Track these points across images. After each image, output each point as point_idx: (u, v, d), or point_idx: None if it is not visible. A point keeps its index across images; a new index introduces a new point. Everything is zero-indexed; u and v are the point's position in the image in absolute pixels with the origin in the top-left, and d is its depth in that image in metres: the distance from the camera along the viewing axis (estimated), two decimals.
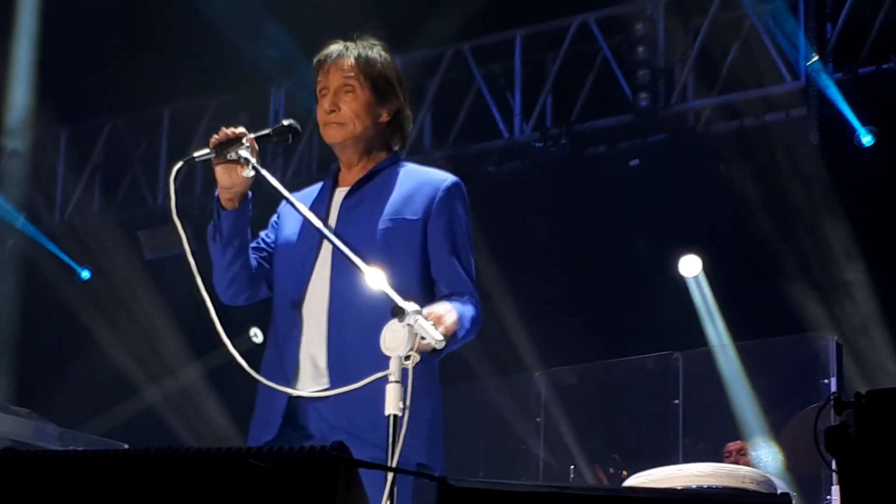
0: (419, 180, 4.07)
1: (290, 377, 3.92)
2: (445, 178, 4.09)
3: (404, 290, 3.70)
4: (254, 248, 4.12)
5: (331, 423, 3.87)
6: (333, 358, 3.91)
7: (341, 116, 4.05)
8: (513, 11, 10.51)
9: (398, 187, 4.04)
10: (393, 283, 3.68)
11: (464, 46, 10.71)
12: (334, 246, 3.81)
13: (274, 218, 4.22)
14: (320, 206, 4.05)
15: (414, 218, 3.98)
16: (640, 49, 10.01)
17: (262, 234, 4.21)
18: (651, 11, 10.06)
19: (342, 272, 3.92)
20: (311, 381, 3.91)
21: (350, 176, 4.11)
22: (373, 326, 3.71)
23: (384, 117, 4.09)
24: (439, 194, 4.02)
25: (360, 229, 3.89)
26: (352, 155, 4.10)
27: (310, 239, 4.03)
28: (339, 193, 4.10)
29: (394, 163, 4.12)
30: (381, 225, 3.97)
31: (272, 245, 4.15)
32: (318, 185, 4.17)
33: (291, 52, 10.45)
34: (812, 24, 9.55)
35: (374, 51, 4.12)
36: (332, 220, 4.01)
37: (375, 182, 4.07)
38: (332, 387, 3.85)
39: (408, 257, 3.92)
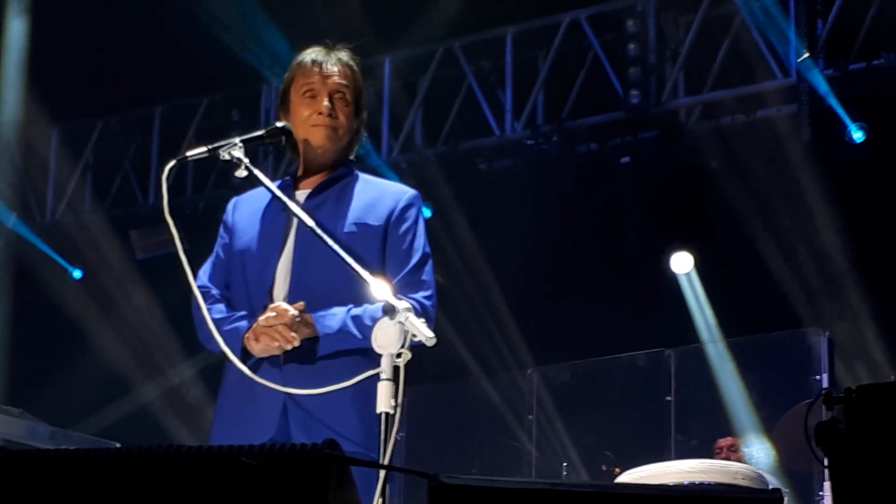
0: (381, 190, 4.19)
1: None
2: (406, 189, 4.22)
3: (364, 293, 3.85)
4: (222, 297, 4.15)
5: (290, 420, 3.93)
6: (290, 357, 3.96)
7: (336, 123, 4.14)
8: (504, 9, 10.52)
9: (360, 195, 4.14)
10: (354, 286, 3.83)
11: (455, 44, 10.72)
12: (332, 250, 3.81)
13: (221, 241, 4.23)
14: (280, 210, 4.07)
15: (376, 224, 4.08)
16: (631, 46, 10.01)
17: (218, 262, 4.21)
18: (642, 8, 10.07)
19: (303, 274, 4.01)
20: (270, 379, 3.93)
21: (311, 180, 4.18)
22: None
23: (356, 128, 4.21)
24: (401, 203, 4.13)
25: (323, 231, 3.90)
26: (325, 160, 4.17)
27: (270, 242, 4.09)
28: (300, 196, 4.14)
29: (351, 172, 4.21)
30: (346, 229, 4.05)
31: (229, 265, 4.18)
32: (260, 189, 4.14)
33: (283, 49, 10.45)
34: (803, 20, 9.56)
35: (355, 63, 4.21)
36: (294, 222, 4.04)
37: (337, 187, 4.16)
38: (285, 381, 3.90)
39: (370, 262, 3.95)
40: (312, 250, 3.95)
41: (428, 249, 4.13)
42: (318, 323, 3.92)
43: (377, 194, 4.15)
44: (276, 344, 3.89)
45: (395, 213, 4.10)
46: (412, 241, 4.09)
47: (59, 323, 11.13)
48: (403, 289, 3.94)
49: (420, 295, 3.98)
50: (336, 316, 3.93)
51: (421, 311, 3.82)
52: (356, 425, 3.81)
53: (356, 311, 3.93)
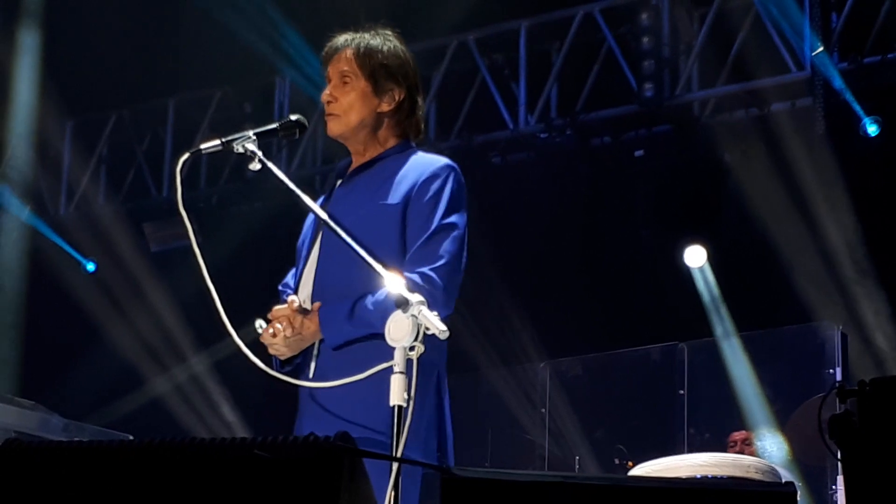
0: (414, 165, 4.00)
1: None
2: (438, 161, 4.03)
3: (382, 285, 3.71)
4: None
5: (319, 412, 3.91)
6: (318, 354, 3.94)
7: (336, 108, 4.05)
8: (518, 2, 10.51)
9: (392, 175, 3.99)
10: (373, 278, 3.69)
11: (468, 37, 10.70)
12: (344, 241, 3.79)
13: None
14: (325, 205, 4.06)
15: (395, 202, 3.93)
16: (645, 39, 9.99)
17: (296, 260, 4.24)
18: (656, 1, 10.04)
19: (326, 270, 3.96)
20: (304, 378, 3.94)
21: (351, 165, 4.12)
22: None
23: (384, 107, 4.06)
24: (424, 176, 3.95)
25: (346, 218, 3.87)
26: (356, 145, 4.09)
27: (309, 238, 4.08)
28: (339, 184, 4.11)
29: (402, 151, 4.08)
30: (367, 213, 3.93)
31: None
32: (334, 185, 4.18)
33: (296, 42, 10.45)
34: (817, 13, 9.53)
35: (378, 40, 4.09)
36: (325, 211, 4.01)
37: (373, 170, 4.04)
38: (315, 378, 3.88)
39: (387, 243, 3.86)
40: (335, 246, 3.87)
41: (450, 220, 3.90)
42: (321, 316, 3.87)
43: (408, 170, 3.99)
44: (284, 338, 3.87)
45: (417, 187, 3.93)
46: (430, 213, 3.89)
47: (73, 316, 11.15)
48: (412, 265, 3.81)
49: (426, 267, 3.80)
50: (339, 307, 3.85)
51: (425, 285, 3.74)
52: (370, 412, 3.77)
53: (361, 300, 3.82)
